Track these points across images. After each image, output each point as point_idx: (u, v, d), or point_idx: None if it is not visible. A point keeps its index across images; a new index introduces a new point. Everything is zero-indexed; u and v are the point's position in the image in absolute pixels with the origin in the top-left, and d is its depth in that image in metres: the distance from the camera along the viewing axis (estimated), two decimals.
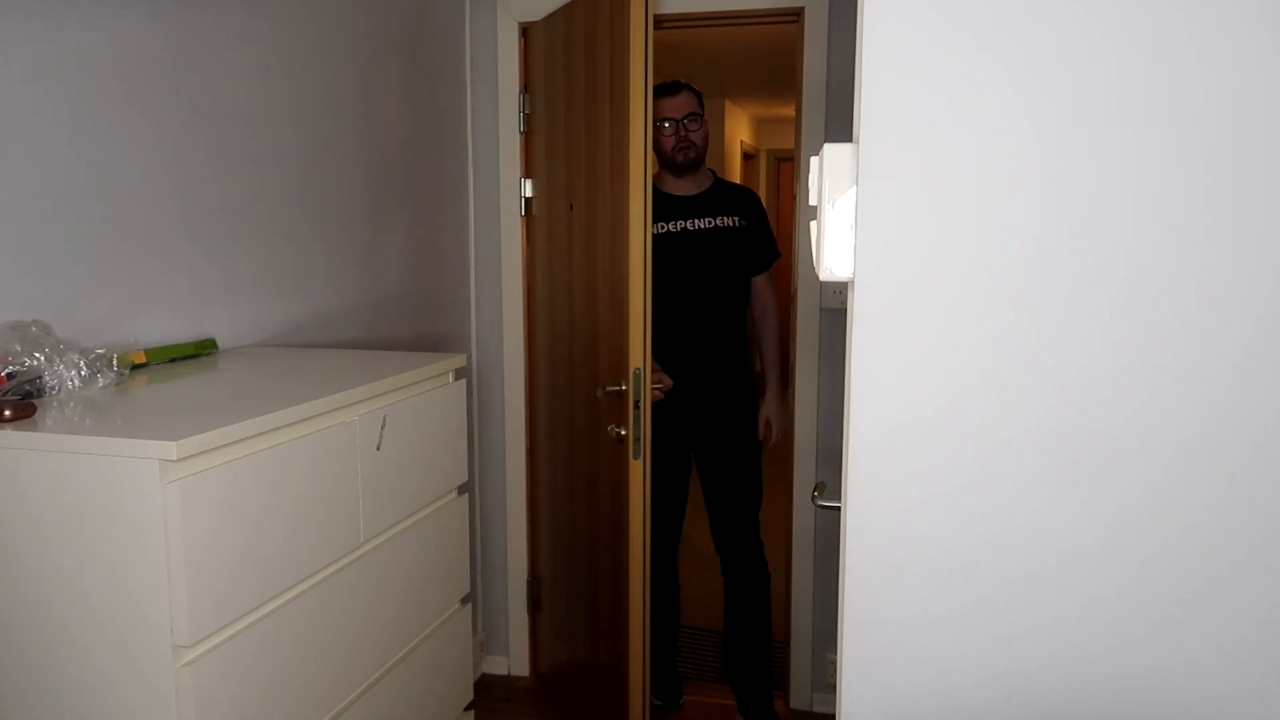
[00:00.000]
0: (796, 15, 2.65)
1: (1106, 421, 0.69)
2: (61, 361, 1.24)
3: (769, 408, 2.71)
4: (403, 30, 2.41)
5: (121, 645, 1.05)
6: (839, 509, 0.77)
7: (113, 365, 1.30)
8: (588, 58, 2.35)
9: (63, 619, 1.06)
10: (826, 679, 2.85)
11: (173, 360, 1.54)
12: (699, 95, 2.63)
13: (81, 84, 1.42)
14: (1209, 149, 0.65)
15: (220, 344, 1.72)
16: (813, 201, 0.74)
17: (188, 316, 1.65)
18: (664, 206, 2.60)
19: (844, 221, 0.72)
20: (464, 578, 1.71)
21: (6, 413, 1.08)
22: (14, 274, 1.32)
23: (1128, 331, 0.68)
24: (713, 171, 2.73)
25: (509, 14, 2.76)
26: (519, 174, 2.83)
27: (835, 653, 0.93)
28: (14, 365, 1.19)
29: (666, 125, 2.57)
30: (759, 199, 2.76)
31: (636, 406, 2.18)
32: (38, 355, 1.21)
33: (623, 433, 2.21)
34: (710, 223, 2.61)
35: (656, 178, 2.67)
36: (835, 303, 2.68)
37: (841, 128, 2.60)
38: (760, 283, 2.71)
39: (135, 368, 1.45)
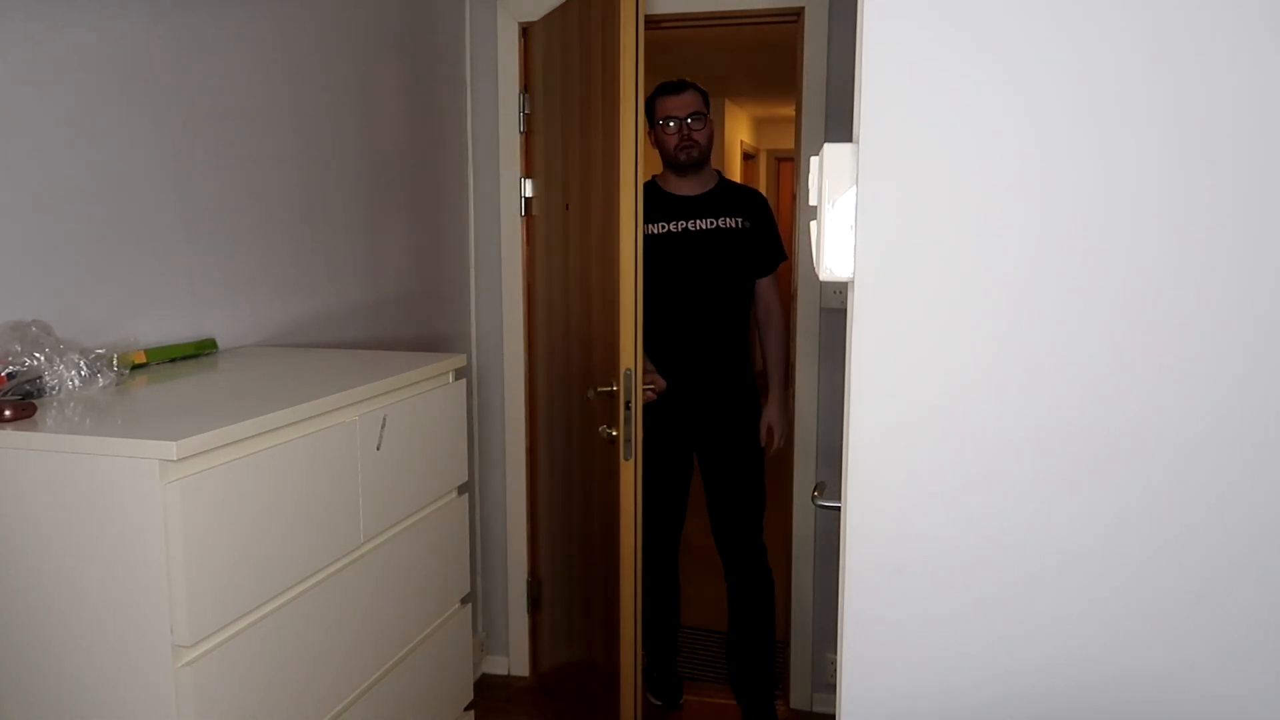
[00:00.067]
0: (796, 15, 2.65)
1: (1106, 421, 0.69)
2: (61, 361, 1.24)
3: (771, 414, 2.68)
4: (403, 30, 2.41)
5: (121, 645, 1.05)
6: (839, 509, 0.77)
7: (113, 365, 1.30)
8: (581, 57, 2.35)
9: (63, 619, 1.06)
10: (826, 679, 2.85)
11: (173, 360, 1.54)
12: (705, 95, 2.60)
13: (81, 84, 1.42)
14: (1209, 149, 0.65)
15: (220, 344, 1.72)
16: (813, 201, 0.74)
17: (188, 316, 1.65)
18: (666, 206, 2.60)
19: (844, 221, 0.72)
20: (464, 578, 1.71)
21: (6, 413, 1.08)
22: (14, 274, 1.32)
23: (1128, 331, 0.68)
24: (718, 172, 2.71)
25: (509, 14, 2.76)
26: (519, 174, 2.83)
27: (835, 653, 0.93)
28: (14, 365, 1.19)
29: (671, 124, 2.55)
30: (765, 201, 2.72)
31: (628, 407, 2.17)
32: (38, 355, 1.21)
33: (614, 433, 2.21)
34: (712, 223, 2.59)
35: (660, 177, 2.66)
36: (835, 303, 2.68)
37: (841, 128, 2.60)
38: (765, 285, 2.68)
39: (135, 368, 1.45)
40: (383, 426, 1.41)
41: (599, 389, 2.27)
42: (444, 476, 1.62)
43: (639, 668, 2.30)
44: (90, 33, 1.43)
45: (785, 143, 8.45)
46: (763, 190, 8.34)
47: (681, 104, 2.55)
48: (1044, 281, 0.69)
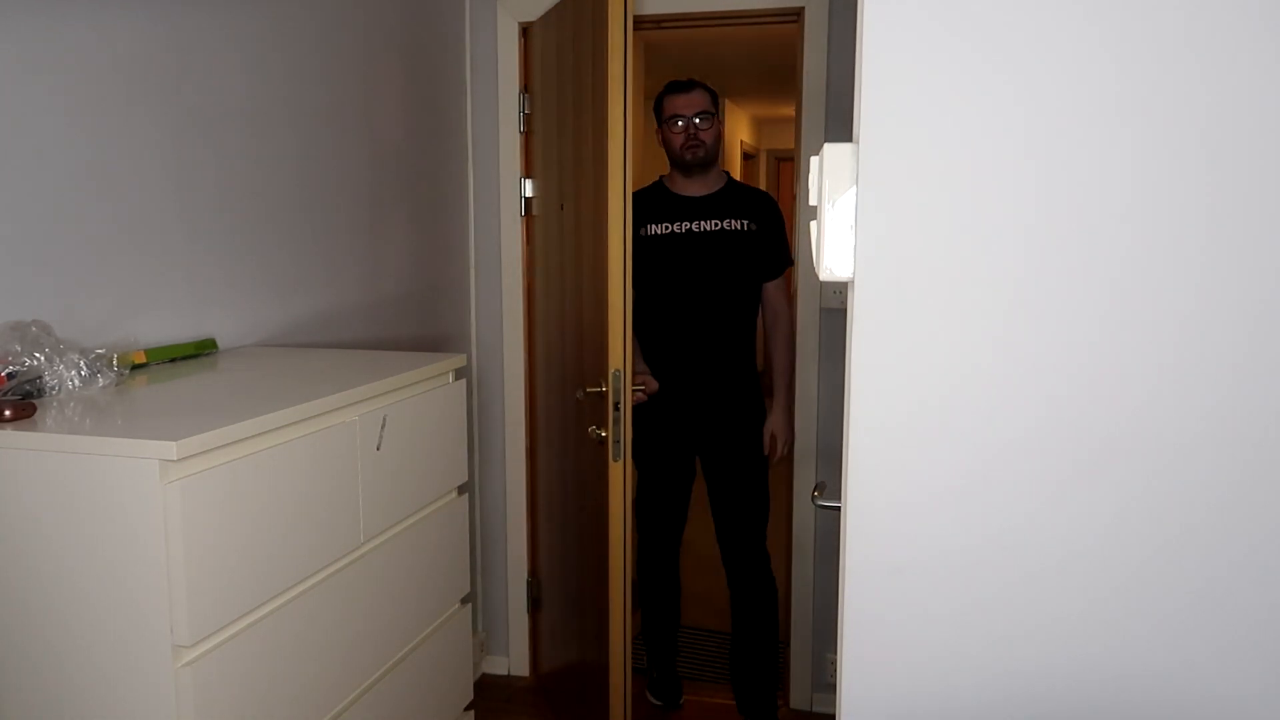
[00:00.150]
0: (796, 15, 2.65)
1: (1106, 421, 0.69)
2: (61, 361, 1.24)
3: (774, 421, 2.63)
4: (403, 30, 2.41)
5: (121, 645, 1.05)
6: (839, 509, 0.77)
7: (113, 365, 1.30)
8: (575, 57, 2.35)
9: (63, 619, 1.06)
10: (826, 679, 2.85)
11: (173, 360, 1.54)
12: (714, 95, 2.58)
13: (82, 84, 1.42)
14: (1208, 149, 0.65)
15: (220, 344, 1.72)
16: (813, 201, 0.74)
17: (188, 316, 1.65)
18: (671, 206, 2.58)
19: (844, 221, 0.72)
20: (464, 578, 1.71)
21: (6, 413, 1.08)
22: (14, 274, 1.32)
23: (1127, 332, 0.68)
24: (727, 173, 2.68)
25: (509, 14, 2.76)
26: (519, 174, 2.83)
27: (835, 653, 0.93)
28: (14, 365, 1.19)
29: (679, 123, 2.52)
30: (774, 204, 2.66)
31: (616, 408, 2.17)
32: (38, 355, 1.21)
33: (603, 434, 2.21)
34: (717, 225, 2.56)
35: (667, 178, 2.64)
36: (835, 303, 2.68)
37: (841, 128, 2.60)
38: (772, 290, 2.63)
39: (135, 368, 1.45)
40: (383, 426, 1.41)
41: (588, 390, 2.27)
42: (444, 476, 1.62)
43: (629, 668, 2.30)
44: (91, 33, 1.43)
45: (785, 143, 8.45)
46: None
47: (689, 103, 2.52)
48: (1044, 281, 0.69)
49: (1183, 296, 0.67)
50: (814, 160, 0.74)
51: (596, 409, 2.26)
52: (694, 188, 2.60)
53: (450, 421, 1.63)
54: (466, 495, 1.69)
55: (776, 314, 2.65)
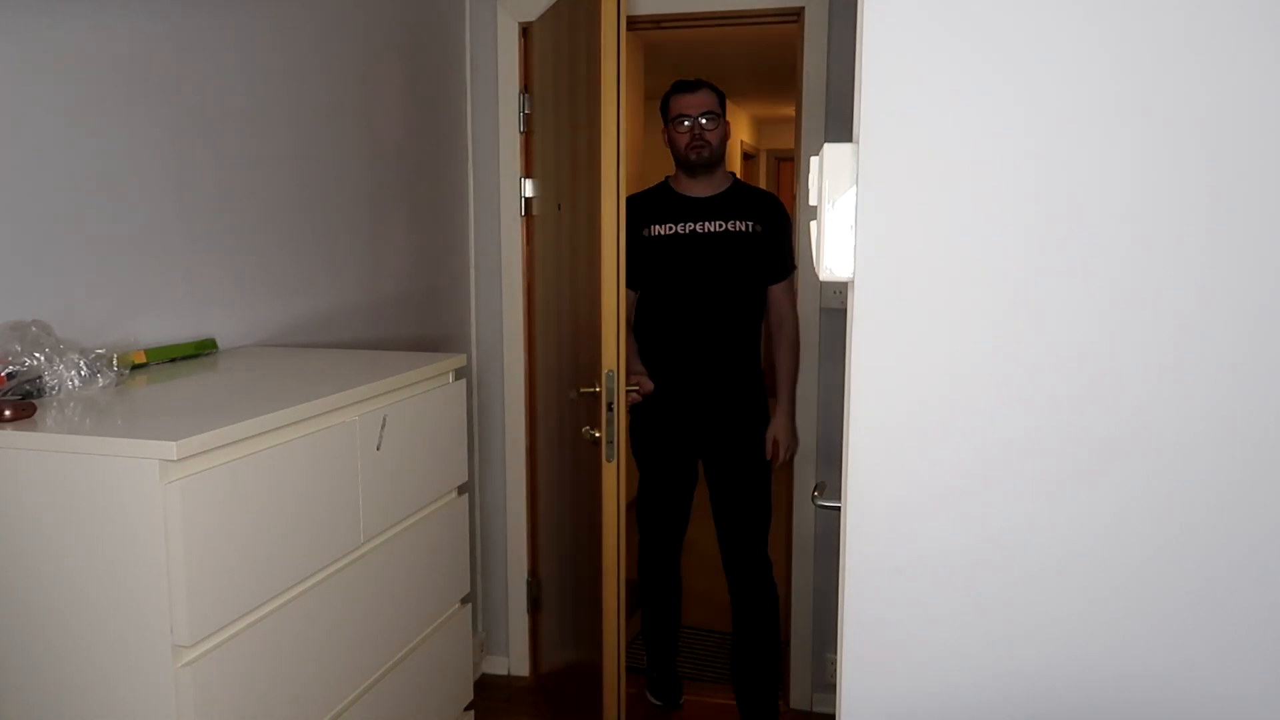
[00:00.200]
0: (796, 15, 2.65)
1: (1106, 421, 0.69)
2: (61, 361, 1.24)
3: (777, 426, 2.59)
4: (403, 30, 2.41)
5: (121, 645, 1.05)
6: (839, 509, 0.77)
7: (113, 365, 1.30)
8: (570, 58, 2.35)
9: (63, 619, 1.06)
10: (826, 679, 2.85)
11: (173, 360, 1.54)
12: (721, 95, 2.56)
13: (82, 83, 1.42)
14: (1208, 149, 0.65)
15: (220, 344, 1.72)
16: (813, 201, 0.74)
17: (188, 316, 1.65)
18: (675, 207, 2.57)
19: (844, 221, 0.72)
20: (464, 578, 1.71)
21: (6, 413, 1.08)
22: (14, 274, 1.32)
23: (1127, 332, 0.68)
24: (733, 174, 2.66)
25: (509, 14, 2.76)
26: (519, 174, 2.83)
27: (835, 653, 0.93)
28: (14, 365, 1.19)
29: (685, 122, 2.51)
30: (781, 206, 2.63)
31: (610, 409, 2.17)
32: (38, 355, 1.21)
33: (596, 435, 2.21)
34: (721, 226, 2.53)
35: (673, 178, 2.63)
36: (835, 303, 2.68)
37: (841, 128, 2.60)
38: (777, 293, 2.60)
39: (135, 368, 1.45)
40: (383, 426, 1.41)
41: (581, 390, 2.27)
42: (444, 476, 1.62)
43: (623, 668, 2.29)
44: (91, 33, 1.43)
45: (785, 143, 8.45)
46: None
47: (695, 103, 2.50)
48: (1044, 281, 0.69)
49: (1183, 296, 0.67)
50: (814, 160, 0.74)
51: (592, 409, 2.26)
52: (699, 188, 2.58)
53: (450, 421, 1.63)
54: (466, 495, 1.69)
55: (782, 318, 2.62)
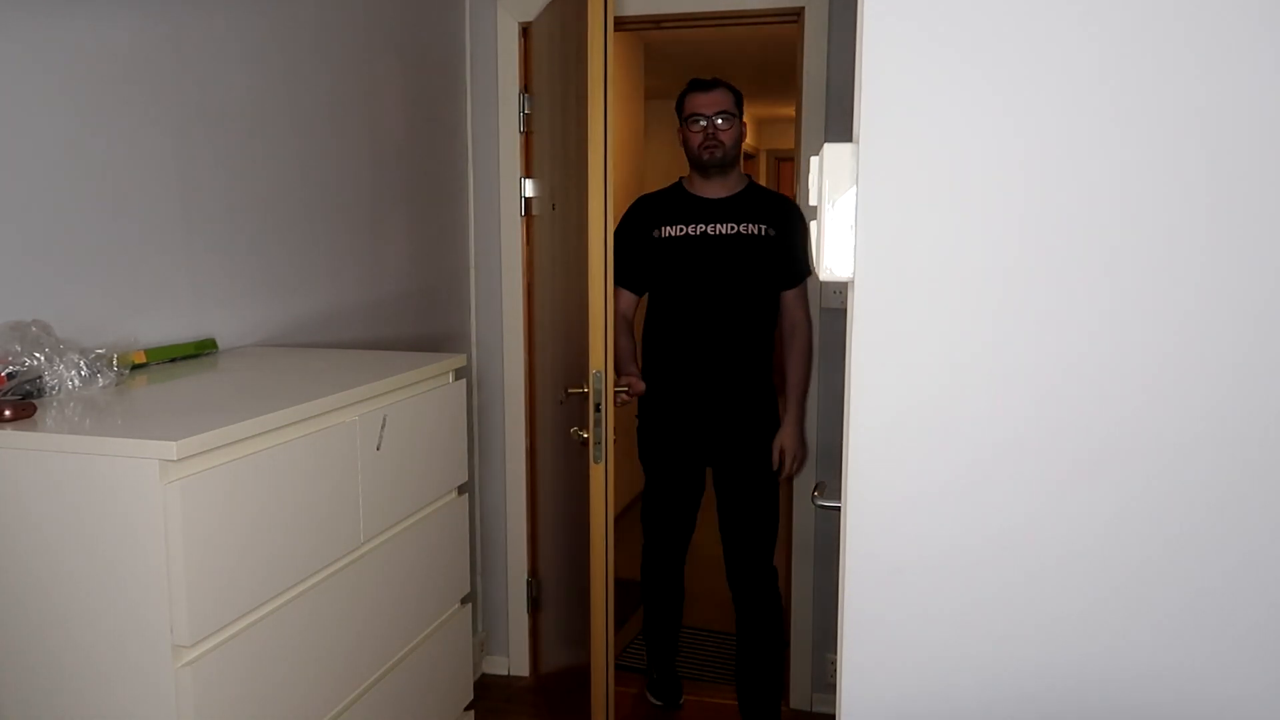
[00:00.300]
0: (796, 15, 2.65)
1: (1106, 421, 0.69)
2: (61, 361, 1.24)
3: (785, 435, 2.53)
4: (403, 30, 2.42)
5: (121, 645, 1.05)
6: (839, 509, 0.77)
7: (113, 365, 1.30)
8: (563, 57, 2.35)
9: (62, 619, 1.06)
10: (826, 679, 2.85)
11: (173, 360, 1.54)
12: (738, 95, 2.51)
13: (82, 83, 1.42)
14: (1209, 148, 0.65)
15: (220, 344, 1.72)
16: (813, 201, 0.74)
17: (188, 316, 1.65)
18: (686, 208, 2.53)
19: (844, 221, 0.72)
20: (464, 578, 1.71)
21: (6, 413, 1.08)
22: (14, 274, 1.32)
23: (1127, 331, 0.68)
24: (749, 176, 2.61)
25: (509, 14, 2.76)
26: (519, 174, 2.83)
27: (835, 653, 0.93)
28: (14, 365, 1.19)
29: (700, 121, 2.46)
30: (797, 210, 2.56)
31: (598, 409, 2.16)
32: (38, 355, 1.21)
33: (584, 435, 2.20)
34: (733, 229, 2.48)
35: (686, 179, 2.60)
36: (835, 303, 2.67)
37: (841, 128, 2.60)
38: (790, 299, 2.54)
39: (135, 368, 1.45)
40: (383, 426, 1.41)
41: (570, 390, 2.27)
42: (444, 476, 1.62)
43: (611, 669, 2.28)
44: (91, 32, 1.43)
45: (785, 143, 8.44)
46: None
47: (709, 102, 2.46)
48: (1044, 281, 0.69)
49: (1183, 296, 0.67)
50: (814, 160, 0.74)
51: (582, 410, 2.26)
52: (712, 189, 2.53)
53: (450, 422, 1.63)
54: (466, 495, 1.69)
55: (794, 325, 2.55)
